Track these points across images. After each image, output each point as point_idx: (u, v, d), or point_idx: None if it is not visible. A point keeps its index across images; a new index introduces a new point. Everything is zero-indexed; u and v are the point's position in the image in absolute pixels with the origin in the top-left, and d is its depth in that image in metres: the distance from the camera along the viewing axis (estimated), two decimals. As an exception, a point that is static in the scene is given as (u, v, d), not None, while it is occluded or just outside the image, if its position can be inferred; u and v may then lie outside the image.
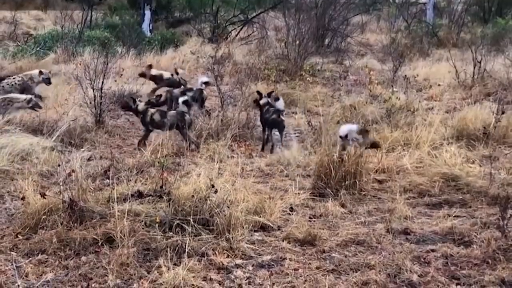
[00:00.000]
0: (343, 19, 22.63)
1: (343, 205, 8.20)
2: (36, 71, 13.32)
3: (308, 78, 16.00)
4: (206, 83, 12.83)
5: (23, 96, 11.89)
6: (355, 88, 16.02)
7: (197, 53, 19.96)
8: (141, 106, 10.91)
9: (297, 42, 17.42)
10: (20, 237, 7.10)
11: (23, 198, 7.55)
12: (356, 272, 6.39)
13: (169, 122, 10.64)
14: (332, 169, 8.57)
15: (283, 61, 17.44)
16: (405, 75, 14.18)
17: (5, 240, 7.07)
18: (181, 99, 11.27)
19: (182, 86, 13.64)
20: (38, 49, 19.43)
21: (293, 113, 13.61)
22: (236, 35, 24.72)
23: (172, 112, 11.00)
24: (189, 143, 10.51)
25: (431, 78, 17.18)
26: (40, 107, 11.80)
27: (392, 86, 14.22)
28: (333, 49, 21.70)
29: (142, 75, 14.62)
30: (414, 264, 6.54)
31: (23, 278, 6.21)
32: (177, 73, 14.54)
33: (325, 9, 21.92)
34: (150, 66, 14.68)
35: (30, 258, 6.63)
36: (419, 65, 19.36)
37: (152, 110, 10.87)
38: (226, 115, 11.72)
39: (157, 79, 14.46)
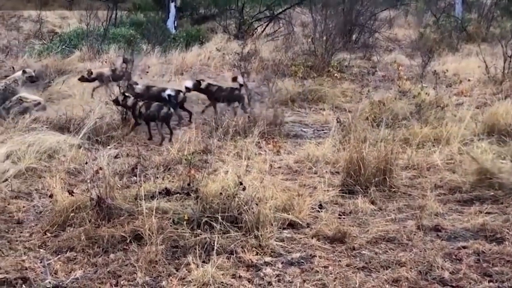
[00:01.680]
0: (370, 14, 22.45)
1: (373, 202, 8.11)
2: (19, 72, 13.21)
3: (335, 74, 15.90)
4: (187, 89, 12.66)
5: (33, 97, 12.00)
6: (383, 83, 15.93)
7: (223, 50, 19.87)
8: (130, 101, 11.27)
9: (324, 38, 17.32)
10: (49, 234, 7.11)
11: (51, 196, 7.60)
12: (387, 269, 6.32)
13: (150, 114, 11.18)
14: (361, 165, 8.47)
15: (310, 57, 17.33)
16: (435, 70, 14.06)
17: (34, 238, 7.08)
18: (166, 92, 11.88)
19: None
20: (63, 47, 19.48)
21: (321, 109, 13.54)
22: (262, 32, 24.60)
23: (155, 104, 11.31)
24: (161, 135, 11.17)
25: (461, 73, 16.96)
26: (44, 109, 11.92)
27: (421, 81, 14.08)
28: (360, 44, 21.52)
29: (83, 79, 14.24)
30: (445, 261, 6.44)
31: (52, 275, 6.20)
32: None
33: (352, 4, 21.77)
34: (90, 72, 14.38)
35: (59, 256, 6.62)
36: (448, 60, 19.18)
37: (140, 103, 11.25)
38: (253, 112, 11.63)
39: (99, 79, 14.19)
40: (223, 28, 25.46)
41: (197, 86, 12.85)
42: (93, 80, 14.03)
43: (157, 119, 11.16)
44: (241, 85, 12.97)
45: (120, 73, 13.98)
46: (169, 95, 12.11)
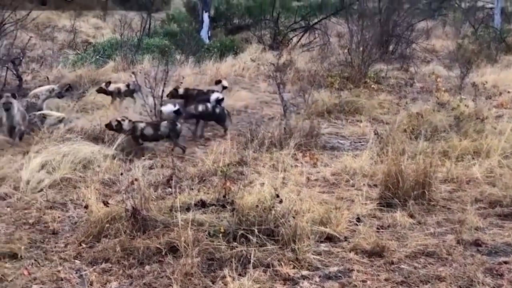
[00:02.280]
0: (407, 25, 22.26)
1: (411, 216, 7.99)
2: (43, 88, 13.23)
3: (372, 86, 15.74)
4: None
5: (56, 114, 12.07)
6: (421, 95, 15.75)
7: (258, 60, 19.83)
8: (125, 124, 10.88)
9: (361, 48, 17.19)
10: (84, 245, 7.10)
11: (86, 207, 7.58)
12: (426, 284, 6.23)
13: (163, 134, 10.99)
14: (400, 178, 8.35)
15: (346, 68, 17.22)
16: (473, 82, 13.87)
17: (69, 248, 7.08)
18: (171, 109, 11.40)
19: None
20: (97, 57, 19.58)
21: (358, 121, 13.41)
22: (298, 42, 24.53)
23: (164, 123, 11.12)
24: (177, 147, 10.95)
25: (500, 85, 16.71)
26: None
27: (460, 93, 13.91)
28: (397, 55, 21.35)
29: (101, 90, 14.27)
30: (486, 277, 6.32)
31: (88, 286, 6.17)
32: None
33: (389, 15, 21.62)
34: (109, 83, 14.38)
35: (94, 267, 6.60)
36: (487, 71, 18.94)
37: (141, 125, 11.00)
38: (289, 124, 11.55)
39: (115, 94, 14.19)
40: (257, 39, 25.44)
41: (174, 94, 13.13)
42: (110, 93, 14.08)
43: (171, 136, 11.02)
44: (224, 88, 13.42)
45: (133, 88, 14.00)
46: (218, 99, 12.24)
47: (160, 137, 11.01)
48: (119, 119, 10.93)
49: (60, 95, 13.11)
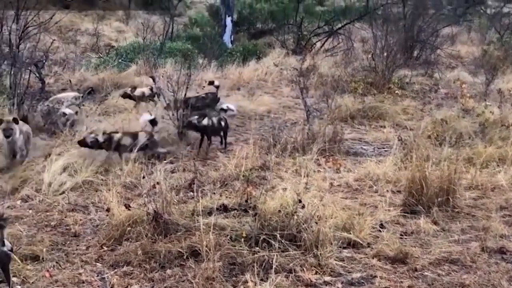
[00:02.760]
0: (432, 30, 22.06)
1: (435, 223, 7.93)
2: (64, 94, 13.25)
3: (396, 91, 15.67)
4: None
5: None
6: (446, 101, 15.59)
7: (280, 65, 19.80)
8: (100, 137, 10.35)
9: (385, 54, 17.08)
10: (105, 248, 7.13)
11: (107, 209, 7.61)
12: None
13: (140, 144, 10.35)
14: (424, 185, 8.28)
15: (370, 74, 17.13)
16: (499, 89, 13.76)
17: (91, 251, 7.10)
18: (146, 118, 11.06)
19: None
20: (119, 61, 19.64)
21: (381, 127, 13.32)
22: (321, 47, 24.46)
23: (142, 133, 10.61)
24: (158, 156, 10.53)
25: (526, 91, 16.52)
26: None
27: (485, 99, 13.78)
28: (422, 61, 21.16)
29: (126, 96, 14.29)
30: (510, 284, 6.32)
31: (108, 289, 6.14)
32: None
33: (414, 20, 21.45)
34: (134, 88, 14.38)
35: (116, 270, 6.62)
36: (513, 78, 18.71)
37: (118, 136, 10.49)
38: (311, 129, 11.49)
39: (140, 98, 14.23)
40: (280, 43, 25.40)
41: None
42: (135, 98, 14.09)
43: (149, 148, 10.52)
44: (217, 87, 13.40)
45: (155, 92, 14.11)
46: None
47: (140, 148, 10.26)
48: (93, 135, 10.35)
49: (82, 104, 13.14)
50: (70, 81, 16.09)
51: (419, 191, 8.32)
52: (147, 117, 11.06)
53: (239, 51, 22.63)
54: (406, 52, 20.56)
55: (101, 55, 21.42)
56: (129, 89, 14.23)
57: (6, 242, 5.97)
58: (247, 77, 18.44)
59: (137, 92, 14.05)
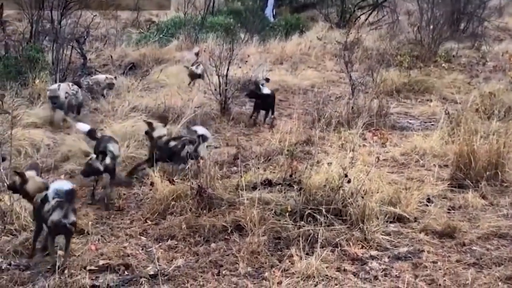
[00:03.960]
0: (479, 2, 21.65)
1: (484, 197, 7.83)
2: (102, 76, 13.29)
3: (443, 64, 15.43)
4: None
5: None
6: (494, 74, 15.32)
7: (324, 39, 19.60)
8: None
9: (431, 26, 16.85)
10: (149, 222, 7.18)
11: (151, 184, 7.63)
12: (499, 266, 6.13)
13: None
14: (472, 159, 8.16)
15: (416, 47, 16.95)
16: (549, 60, 13.42)
17: (135, 225, 7.17)
18: (84, 129, 8.92)
19: None
20: (160, 36, 19.63)
21: (427, 100, 13.18)
22: (366, 20, 24.14)
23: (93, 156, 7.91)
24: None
25: None
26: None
27: (535, 72, 13.49)
28: (469, 34, 20.79)
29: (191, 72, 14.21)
30: (560, 258, 6.17)
31: (154, 262, 6.17)
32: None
33: (461, -8, 21.06)
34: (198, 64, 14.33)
35: (160, 243, 6.66)
36: None
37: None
38: (357, 103, 11.36)
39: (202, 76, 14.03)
40: (324, 17, 25.12)
41: None
42: (198, 76, 14.03)
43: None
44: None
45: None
46: None
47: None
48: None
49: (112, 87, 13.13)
50: (111, 56, 16.14)
51: (467, 165, 8.21)
52: (84, 127, 8.98)
53: (282, 25, 22.47)
54: (453, 25, 20.23)
55: (142, 31, 21.45)
56: (193, 67, 14.18)
57: (71, 215, 6.00)
58: (290, 52, 18.31)
59: (199, 70, 13.97)
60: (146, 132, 8.88)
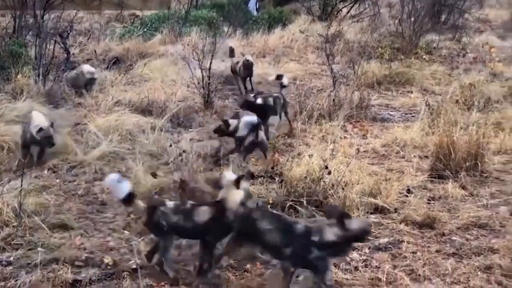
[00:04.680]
0: (460, -6, 21.76)
1: (463, 187, 7.89)
2: (86, 67, 13.09)
3: (424, 56, 15.53)
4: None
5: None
6: (474, 66, 15.39)
7: (306, 32, 19.61)
8: None
9: (412, 18, 16.92)
10: (132, 216, 7.14)
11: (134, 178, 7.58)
12: (479, 256, 6.19)
13: None
14: (452, 150, 8.23)
15: (397, 39, 16.99)
16: (529, 52, 13.54)
17: (118, 219, 7.18)
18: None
19: None
20: (144, 30, 19.54)
21: (408, 92, 13.24)
22: (347, 13, 24.19)
23: None
24: None
25: (557, 54, 16.29)
26: None
27: (515, 63, 13.61)
28: (449, 25, 20.83)
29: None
30: (540, 249, 6.24)
31: (136, 256, 6.18)
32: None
33: (441, -16, 21.14)
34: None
35: (143, 237, 6.63)
36: (543, 41, 18.44)
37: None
38: (338, 95, 11.41)
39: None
40: (306, 10, 25.08)
41: None
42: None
43: None
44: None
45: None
46: None
47: None
48: None
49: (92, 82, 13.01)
50: (95, 51, 16.10)
51: (447, 156, 8.27)
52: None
53: (265, 19, 22.40)
54: (434, 17, 20.23)
55: (126, 25, 21.37)
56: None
57: None
58: (273, 45, 18.32)
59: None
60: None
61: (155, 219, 5.75)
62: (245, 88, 13.27)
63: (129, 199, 5.89)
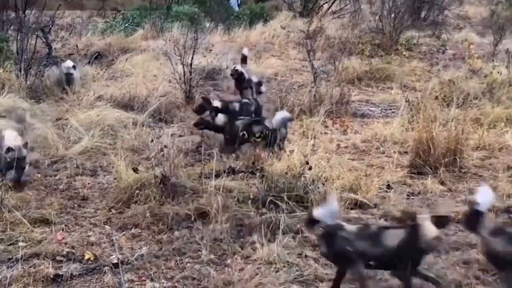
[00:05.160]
0: (440, -10, 21.88)
1: (442, 183, 7.99)
2: (69, 62, 12.98)
3: (404, 53, 15.57)
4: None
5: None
6: (453, 62, 15.45)
7: (288, 28, 19.62)
8: None
9: (392, 15, 16.97)
10: (114, 211, 7.19)
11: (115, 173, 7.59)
12: (457, 251, 6.28)
13: None
14: (431, 146, 8.30)
15: (377, 35, 16.99)
16: (507, 49, 13.60)
17: (99, 214, 7.17)
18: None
19: None
20: (126, 25, 19.48)
21: (388, 88, 13.30)
22: (328, 9, 24.22)
23: None
24: None
25: (534, 52, 16.39)
26: None
27: (493, 60, 13.69)
28: (429, 22, 20.95)
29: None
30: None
31: (117, 251, 6.22)
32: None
33: (421, -20, 21.25)
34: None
35: (124, 232, 6.68)
36: (521, 38, 18.53)
37: None
38: (319, 91, 11.46)
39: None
40: (287, 6, 25.05)
41: None
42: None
43: None
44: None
45: None
46: None
47: None
48: None
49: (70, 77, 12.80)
50: (77, 46, 16.00)
51: (426, 151, 8.34)
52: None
53: (246, 14, 22.38)
54: (414, 13, 20.38)
55: (107, 20, 21.29)
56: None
57: None
58: (254, 40, 18.31)
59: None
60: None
61: None
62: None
63: None
